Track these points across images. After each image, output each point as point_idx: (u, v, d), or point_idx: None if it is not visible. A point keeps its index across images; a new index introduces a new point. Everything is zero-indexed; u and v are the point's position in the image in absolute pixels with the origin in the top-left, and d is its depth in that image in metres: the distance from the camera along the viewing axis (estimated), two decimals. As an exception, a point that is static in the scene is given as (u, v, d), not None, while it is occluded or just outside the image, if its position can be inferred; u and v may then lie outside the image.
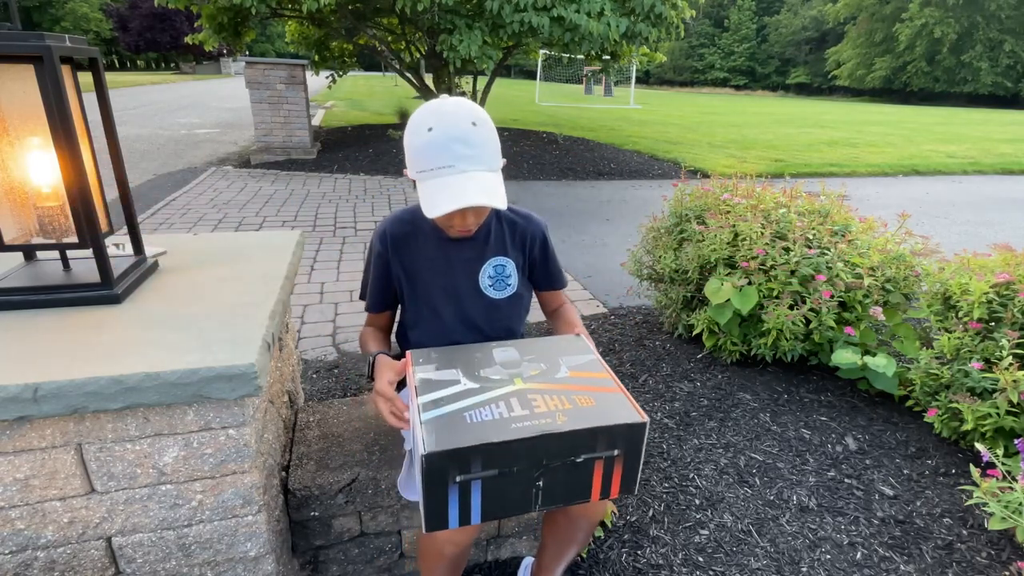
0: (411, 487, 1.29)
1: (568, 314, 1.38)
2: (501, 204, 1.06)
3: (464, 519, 0.96)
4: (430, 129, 1.05)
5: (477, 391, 1.01)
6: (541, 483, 0.97)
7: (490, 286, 1.31)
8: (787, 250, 2.49)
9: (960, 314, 2.09)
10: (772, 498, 1.88)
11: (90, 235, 1.11)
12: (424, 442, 0.89)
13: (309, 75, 8.18)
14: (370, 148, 8.31)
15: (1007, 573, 1.60)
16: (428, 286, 1.30)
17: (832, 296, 2.35)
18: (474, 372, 1.06)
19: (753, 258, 2.48)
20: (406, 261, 1.30)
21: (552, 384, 1.04)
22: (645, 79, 52.68)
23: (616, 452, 0.97)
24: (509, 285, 1.33)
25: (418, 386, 1.01)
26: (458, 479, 0.91)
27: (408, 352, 1.11)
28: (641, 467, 1.03)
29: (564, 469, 0.96)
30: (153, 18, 43.90)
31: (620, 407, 0.99)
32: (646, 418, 0.97)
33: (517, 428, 0.92)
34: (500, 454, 0.91)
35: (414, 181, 1.12)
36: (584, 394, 1.01)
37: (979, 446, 1.69)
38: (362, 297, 1.41)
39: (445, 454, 0.88)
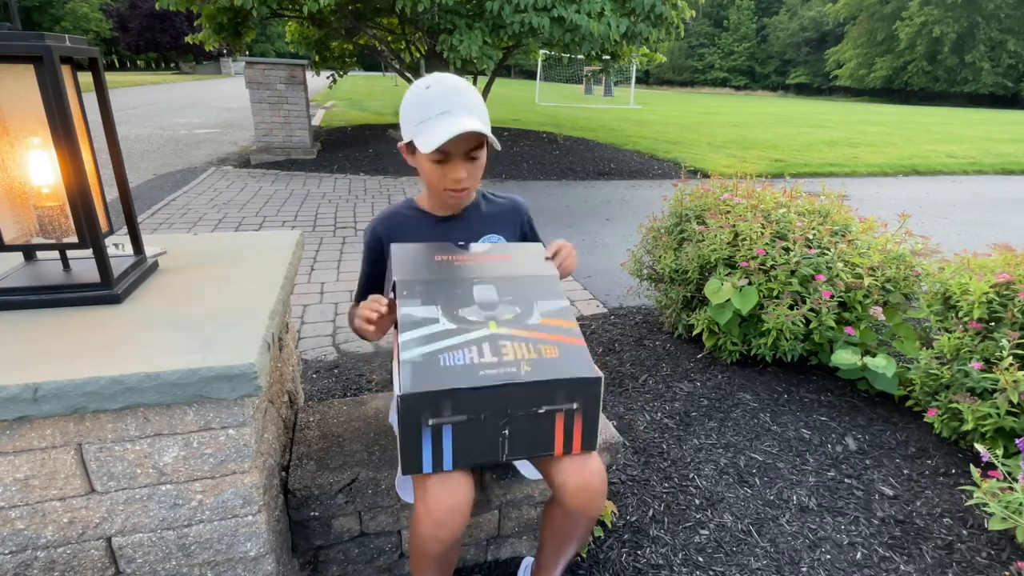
0: (407, 488, 1.29)
1: None
2: (494, 141, 1.18)
3: (437, 464, 1.07)
4: (428, 87, 1.18)
5: (454, 332, 1.10)
6: (507, 431, 1.08)
7: None
8: (787, 250, 2.49)
9: (960, 314, 2.09)
10: (772, 498, 1.88)
11: (90, 235, 1.11)
12: (400, 384, 0.99)
13: (309, 75, 8.18)
14: (370, 148, 8.32)
15: (1007, 573, 1.60)
16: None
17: (832, 296, 2.35)
18: (453, 311, 1.14)
19: (753, 258, 2.48)
20: None
21: (523, 331, 1.13)
22: (645, 79, 52.68)
23: (575, 406, 1.08)
24: None
25: (400, 321, 1.09)
26: (431, 422, 1.02)
27: (396, 279, 1.16)
28: (599, 423, 1.14)
29: (528, 419, 1.07)
30: (153, 18, 43.90)
31: (579, 362, 1.09)
32: (600, 374, 1.08)
33: (484, 375, 1.03)
34: (468, 399, 1.01)
35: (408, 145, 1.22)
36: (550, 344, 1.11)
37: (979, 446, 1.69)
38: (358, 300, 1.42)
39: (419, 396, 0.99)
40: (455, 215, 1.36)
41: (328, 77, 10.04)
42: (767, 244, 2.50)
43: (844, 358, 2.29)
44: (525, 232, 1.45)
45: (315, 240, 4.48)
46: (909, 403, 2.29)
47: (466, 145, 1.19)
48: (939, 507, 1.85)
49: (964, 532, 1.75)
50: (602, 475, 1.18)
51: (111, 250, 1.27)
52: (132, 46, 46.97)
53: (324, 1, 6.11)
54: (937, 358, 2.10)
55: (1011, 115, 26.10)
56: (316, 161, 7.61)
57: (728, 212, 2.70)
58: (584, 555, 1.62)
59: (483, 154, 1.25)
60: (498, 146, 1.20)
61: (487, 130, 1.17)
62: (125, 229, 1.33)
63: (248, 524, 1.12)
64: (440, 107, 1.16)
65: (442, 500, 1.08)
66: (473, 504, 1.14)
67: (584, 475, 1.16)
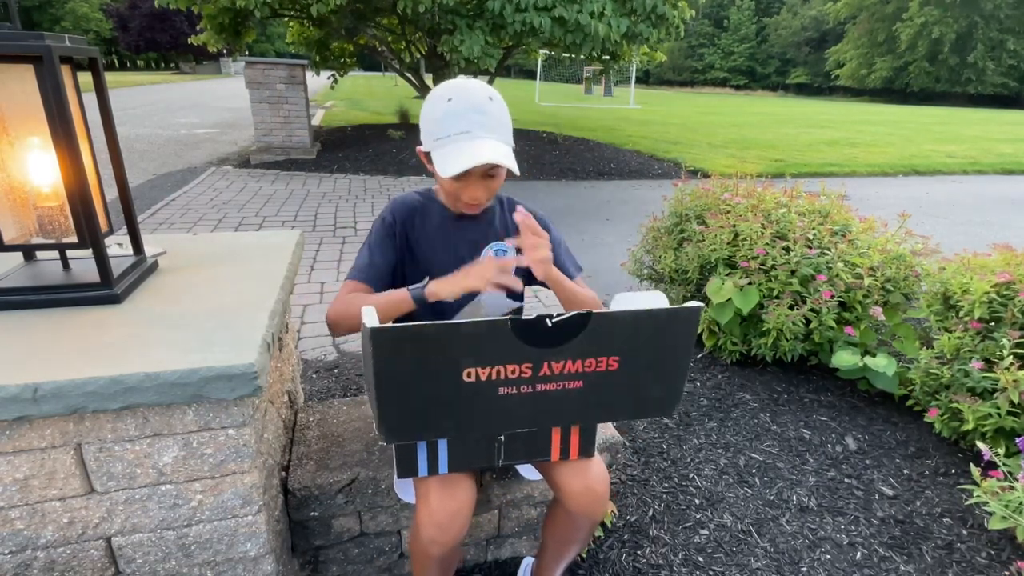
0: (406, 489, 1.29)
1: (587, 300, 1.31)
2: (515, 168, 1.12)
3: (433, 468, 1.06)
4: (449, 100, 1.11)
5: None
6: (502, 438, 1.06)
7: None
8: (787, 250, 2.49)
9: (961, 314, 2.09)
10: (772, 498, 1.88)
11: (90, 235, 1.10)
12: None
13: (309, 75, 8.18)
14: (370, 148, 8.31)
15: (1007, 573, 1.60)
16: (429, 261, 1.30)
17: (832, 296, 2.34)
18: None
19: (753, 258, 2.48)
20: (411, 234, 1.30)
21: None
22: (645, 79, 52.66)
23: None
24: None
25: None
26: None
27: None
28: (597, 432, 1.11)
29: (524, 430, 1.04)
30: (153, 18, 43.86)
31: None
32: None
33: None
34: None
35: (427, 154, 1.17)
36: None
37: (981, 445, 1.69)
38: (353, 276, 1.28)
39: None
40: (471, 215, 1.30)
41: (329, 77, 10.03)
42: (767, 244, 2.50)
43: (844, 359, 2.29)
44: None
45: (315, 240, 4.48)
46: (909, 403, 2.29)
47: (485, 167, 1.14)
48: (939, 507, 1.85)
49: (964, 532, 1.75)
50: (605, 478, 1.18)
51: (112, 250, 1.27)
52: (132, 46, 46.95)
53: (333, 4, 6.07)
54: (937, 358, 2.10)
55: (1011, 115, 26.08)
56: (316, 161, 7.61)
57: (728, 212, 2.70)
58: (584, 555, 1.62)
59: (503, 171, 1.19)
60: (516, 171, 1.13)
61: (508, 157, 1.12)
62: (125, 229, 1.33)
63: (248, 524, 1.12)
64: (460, 126, 1.10)
65: (445, 504, 1.08)
66: (475, 505, 1.14)
67: (587, 478, 1.16)
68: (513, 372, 0.91)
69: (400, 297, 1.16)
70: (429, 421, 0.93)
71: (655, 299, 1.07)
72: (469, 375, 0.89)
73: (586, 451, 1.15)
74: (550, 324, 0.88)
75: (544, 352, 0.90)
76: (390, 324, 0.83)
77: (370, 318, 0.87)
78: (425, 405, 0.91)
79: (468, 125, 1.10)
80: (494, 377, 0.90)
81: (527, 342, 0.89)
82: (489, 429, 1.02)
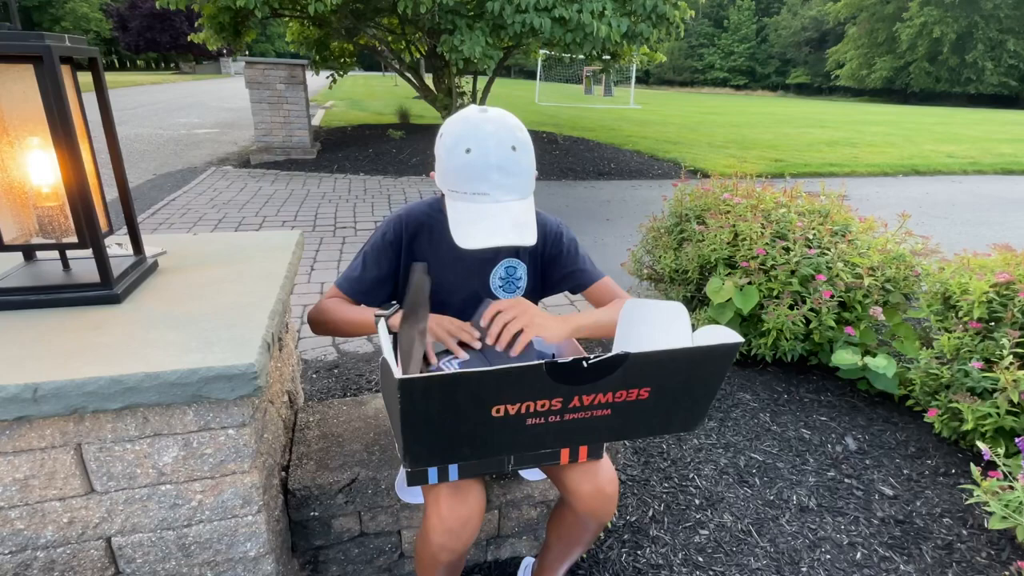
0: (407, 489, 1.29)
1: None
2: (531, 240, 1.04)
3: (443, 476, 1.08)
4: (468, 151, 1.03)
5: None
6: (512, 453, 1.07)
7: (500, 287, 1.31)
8: (787, 250, 2.49)
9: (960, 314, 2.09)
10: (772, 498, 1.88)
11: (90, 235, 1.10)
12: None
13: (309, 75, 8.18)
14: (370, 148, 8.31)
15: (1007, 573, 1.60)
16: (438, 281, 1.27)
17: (832, 296, 2.35)
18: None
19: (753, 258, 2.48)
20: (418, 253, 1.28)
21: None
22: (645, 79, 52.64)
23: None
24: (519, 287, 1.33)
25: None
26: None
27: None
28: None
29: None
30: (153, 18, 43.87)
31: None
32: None
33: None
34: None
35: (441, 192, 1.15)
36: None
37: (981, 444, 1.69)
38: (338, 283, 1.28)
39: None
40: None
41: (328, 77, 10.03)
42: (767, 244, 2.50)
43: (844, 358, 2.29)
44: (551, 255, 1.33)
45: (315, 240, 4.48)
46: (909, 403, 2.29)
47: None
48: (939, 507, 1.85)
49: (964, 532, 1.75)
50: (615, 479, 1.17)
51: (112, 250, 1.27)
52: (132, 46, 46.94)
53: (330, 3, 6.08)
54: (937, 358, 2.10)
55: (1011, 115, 26.08)
56: (316, 161, 7.61)
57: (728, 212, 2.70)
58: (584, 555, 1.62)
59: None
60: (533, 240, 1.05)
61: (528, 228, 1.05)
62: (125, 229, 1.33)
63: (248, 524, 1.12)
64: (479, 186, 1.04)
65: (456, 511, 1.08)
66: (484, 510, 1.14)
67: (598, 480, 1.15)
68: (543, 406, 0.89)
69: (367, 322, 1.20)
70: (454, 450, 0.93)
71: (673, 310, 1.05)
72: (498, 411, 0.88)
73: (595, 453, 1.14)
74: (585, 366, 0.86)
75: (576, 388, 0.89)
76: (419, 374, 0.80)
77: (391, 357, 0.85)
78: (452, 438, 0.90)
79: (487, 187, 1.04)
80: (523, 411, 0.89)
81: (560, 382, 0.87)
82: (512, 452, 1.02)
